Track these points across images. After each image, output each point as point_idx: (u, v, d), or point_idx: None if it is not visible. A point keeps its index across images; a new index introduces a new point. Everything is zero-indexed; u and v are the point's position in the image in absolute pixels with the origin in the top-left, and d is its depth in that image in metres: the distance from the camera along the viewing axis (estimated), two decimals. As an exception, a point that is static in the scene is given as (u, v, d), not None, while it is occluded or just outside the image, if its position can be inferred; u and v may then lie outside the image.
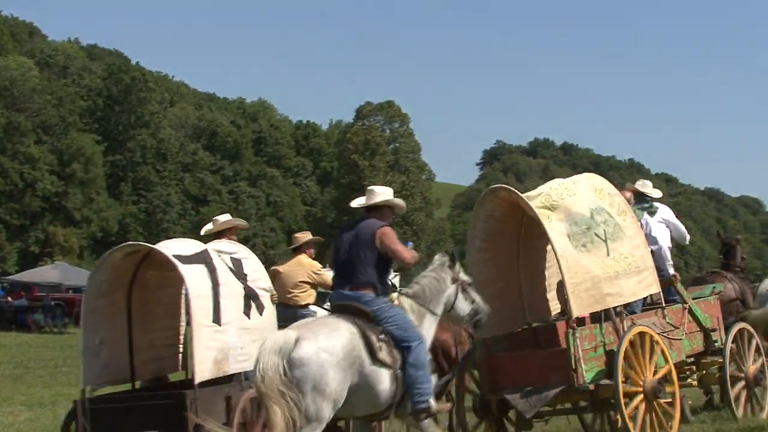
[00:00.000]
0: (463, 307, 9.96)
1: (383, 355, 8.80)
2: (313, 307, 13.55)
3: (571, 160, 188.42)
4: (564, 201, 11.20)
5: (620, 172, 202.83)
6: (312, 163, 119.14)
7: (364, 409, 8.93)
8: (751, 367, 13.11)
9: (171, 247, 10.67)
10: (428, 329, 9.59)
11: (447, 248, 79.93)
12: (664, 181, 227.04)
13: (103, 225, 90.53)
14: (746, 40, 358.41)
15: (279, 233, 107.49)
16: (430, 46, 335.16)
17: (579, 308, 10.61)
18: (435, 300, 9.71)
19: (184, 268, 10.20)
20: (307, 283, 13.52)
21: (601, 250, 11.16)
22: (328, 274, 12.82)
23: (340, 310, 9.18)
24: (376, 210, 9.68)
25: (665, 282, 12.48)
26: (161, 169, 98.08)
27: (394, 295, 9.69)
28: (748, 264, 14.96)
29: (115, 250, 11.01)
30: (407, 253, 9.56)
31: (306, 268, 13.56)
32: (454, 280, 9.92)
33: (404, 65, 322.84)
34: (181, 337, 11.94)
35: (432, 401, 9.23)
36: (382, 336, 8.87)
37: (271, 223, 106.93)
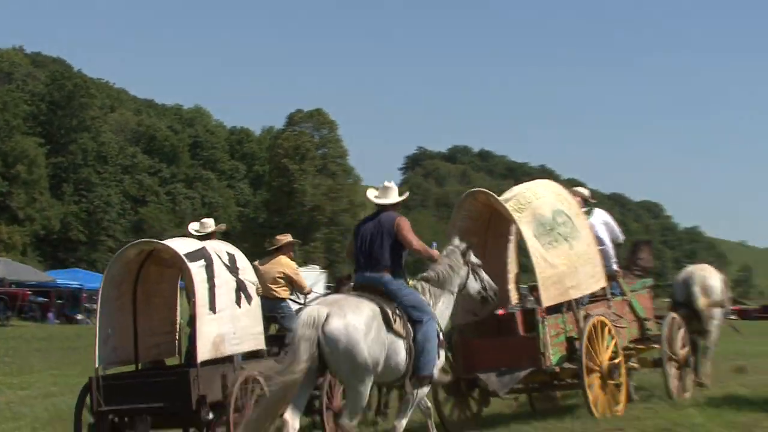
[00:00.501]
0: (474, 286, 10.70)
1: (398, 326, 9.44)
2: (289, 302, 14.07)
3: (488, 165, 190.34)
4: (530, 204, 11.90)
5: (533, 178, 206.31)
6: (245, 166, 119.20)
7: (385, 375, 9.50)
8: (682, 351, 13.73)
9: (176, 245, 11.23)
10: (444, 308, 10.38)
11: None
12: (572, 186, 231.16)
13: (45, 223, 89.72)
14: (646, 48, 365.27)
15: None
16: (357, 57, 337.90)
17: (547, 299, 11.40)
18: (448, 281, 10.43)
19: (189, 264, 10.87)
20: (284, 279, 13.94)
21: (564, 247, 11.94)
22: (303, 277, 14.37)
23: (362, 289, 9.76)
24: (391, 204, 10.29)
25: (610, 277, 13.12)
26: (102, 171, 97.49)
27: (411, 282, 10.40)
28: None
29: (129, 246, 11.65)
30: (417, 242, 10.00)
31: (284, 267, 14.00)
32: (466, 263, 10.61)
33: (333, 75, 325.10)
34: (177, 327, 12.60)
35: (435, 371, 9.89)
36: (397, 311, 9.50)
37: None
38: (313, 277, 64.78)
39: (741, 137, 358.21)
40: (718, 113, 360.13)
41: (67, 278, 55.45)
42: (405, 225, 9.90)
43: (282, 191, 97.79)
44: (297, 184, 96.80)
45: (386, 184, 10.44)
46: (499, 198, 11.95)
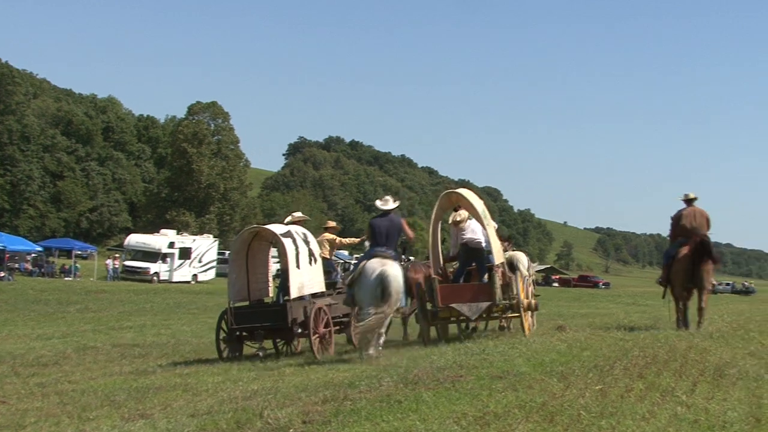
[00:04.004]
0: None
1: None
2: (331, 260, 17.57)
3: (357, 154, 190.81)
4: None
5: (394, 165, 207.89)
6: (150, 149, 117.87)
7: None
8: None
9: (274, 228, 15.20)
10: None
11: (257, 221, 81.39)
12: (428, 173, 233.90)
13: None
14: (496, 50, 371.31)
15: (122, 204, 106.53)
16: (248, 56, 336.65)
17: (497, 259, 14.47)
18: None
19: (282, 239, 14.66)
20: (329, 245, 17.18)
21: (491, 229, 14.72)
22: (341, 239, 17.88)
23: (379, 256, 13.05)
24: (391, 209, 13.65)
25: None
26: (25, 149, 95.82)
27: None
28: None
29: (247, 230, 15.95)
30: (412, 233, 14.53)
31: (326, 239, 17.20)
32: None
33: (227, 72, 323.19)
34: (270, 278, 16.38)
35: None
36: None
37: (116, 196, 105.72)
38: (207, 244, 64.90)
39: (565, 135, 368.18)
40: (548, 114, 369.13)
41: (-9, 241, 53.87)
42: (405, 224, 13.83)
43: (182, 171, 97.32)
44: (195, 165, 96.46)
45: (386, 197, 13.94)
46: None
